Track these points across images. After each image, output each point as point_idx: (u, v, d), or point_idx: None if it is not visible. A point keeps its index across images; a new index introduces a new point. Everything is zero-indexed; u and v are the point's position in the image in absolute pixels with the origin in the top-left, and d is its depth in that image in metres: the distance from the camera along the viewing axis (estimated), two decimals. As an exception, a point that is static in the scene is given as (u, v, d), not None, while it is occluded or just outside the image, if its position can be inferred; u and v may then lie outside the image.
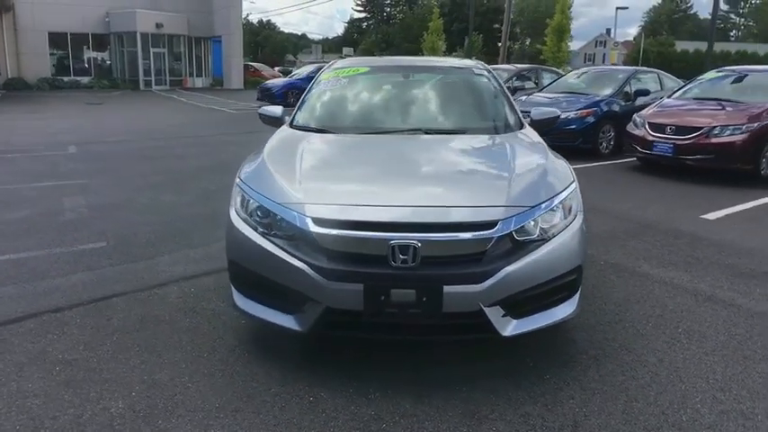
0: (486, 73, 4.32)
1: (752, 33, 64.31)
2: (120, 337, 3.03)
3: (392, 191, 2.78)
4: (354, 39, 71.54)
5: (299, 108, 3.99)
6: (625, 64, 44.12)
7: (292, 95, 19.42)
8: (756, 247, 4.68)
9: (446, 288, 2.40)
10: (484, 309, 2.45)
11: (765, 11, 64.22)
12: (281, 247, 2.56)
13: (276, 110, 4.08)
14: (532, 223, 2.60)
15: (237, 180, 3.01)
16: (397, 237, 2.41)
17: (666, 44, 59.88)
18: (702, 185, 7.07)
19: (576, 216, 2.80)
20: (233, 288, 2.87)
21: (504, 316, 2.52)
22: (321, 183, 2.87)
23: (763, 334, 3.17)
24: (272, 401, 2.46)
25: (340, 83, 4.16)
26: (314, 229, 2.50)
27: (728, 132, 7.06)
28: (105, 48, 30.12)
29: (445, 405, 2.44)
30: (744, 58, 47.25)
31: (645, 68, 10.81)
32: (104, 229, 4.96)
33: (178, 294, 3.60)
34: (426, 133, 3.55)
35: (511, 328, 2.54)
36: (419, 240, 2.41)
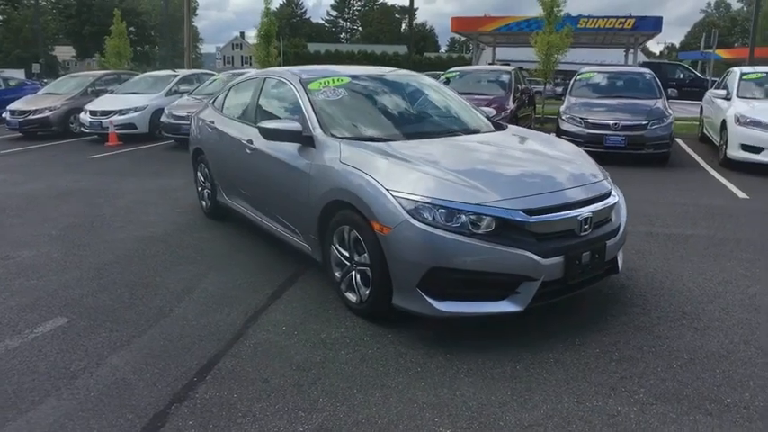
0: (431, 79, 5.07)
1: (362, 36, 77.12)
2: (322, 388, 2.62)
3: (549, 177, 3.27)
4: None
5: (319, 121, 3.76)
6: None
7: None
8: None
9: (607, 243, 3.16)
10: (617, 255, 3.34)
11: (370, 16, 77.60)
12: (495, 242, 2.83)
13: (294, 124, 3.72)
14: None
15: (397, 194, 2.97)
16: (584, 211, 3.05)
17: (300, 46, 66.70)
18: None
19: None
20: (425, 297, 2.92)
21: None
22: (491, 182, 3.07)
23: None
24: (570, 387, 2.73)
25: (336, 93, 4.06)
26: (526, 218, 2.87)
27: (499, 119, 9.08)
28: None
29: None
30: (365, 56, 56.91)
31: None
32: (32, 302, 3.62)
33: (279, 336, 3.14)
34: (466, 133, 4.04)
35: (621, 265, 3.47)
36: (592, 211, 3.09)
